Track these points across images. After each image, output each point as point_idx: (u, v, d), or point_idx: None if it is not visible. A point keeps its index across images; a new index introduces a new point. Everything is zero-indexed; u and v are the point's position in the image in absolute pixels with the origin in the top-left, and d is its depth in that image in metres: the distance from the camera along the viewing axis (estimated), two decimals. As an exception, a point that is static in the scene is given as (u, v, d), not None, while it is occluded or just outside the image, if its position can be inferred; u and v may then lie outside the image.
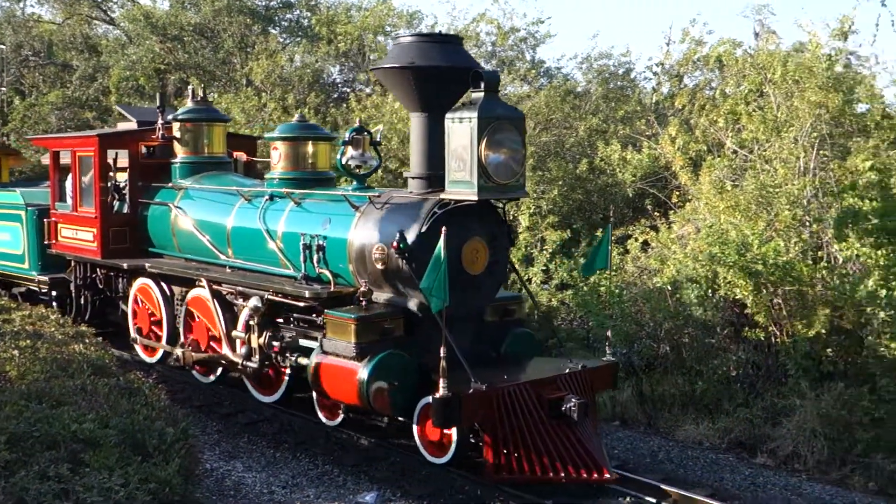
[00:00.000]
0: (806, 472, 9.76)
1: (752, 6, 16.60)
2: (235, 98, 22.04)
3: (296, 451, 9.98)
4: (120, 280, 13.37)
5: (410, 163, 9.64)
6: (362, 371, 8.68)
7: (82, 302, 13.98)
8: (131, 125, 13.75)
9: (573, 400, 8.41)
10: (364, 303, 9.10)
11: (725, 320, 11.97)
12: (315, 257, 9.82)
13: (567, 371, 8.95)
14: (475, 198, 8.65)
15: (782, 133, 13.02)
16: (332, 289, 9.61)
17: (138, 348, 13.05)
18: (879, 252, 10.44)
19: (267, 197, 10.98)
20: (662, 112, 20.21)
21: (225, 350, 10.92)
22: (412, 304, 9.11)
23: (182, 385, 12.23)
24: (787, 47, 15.47)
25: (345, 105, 21.80)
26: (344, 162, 10.26)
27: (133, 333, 12.88)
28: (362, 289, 9.12)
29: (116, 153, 13.05)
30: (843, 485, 9.45)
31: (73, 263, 13.89)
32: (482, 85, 8.75)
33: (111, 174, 13.02)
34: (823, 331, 10.71)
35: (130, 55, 26.41)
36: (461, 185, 8.72)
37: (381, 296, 9.29)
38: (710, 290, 11.66)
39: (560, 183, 16.92)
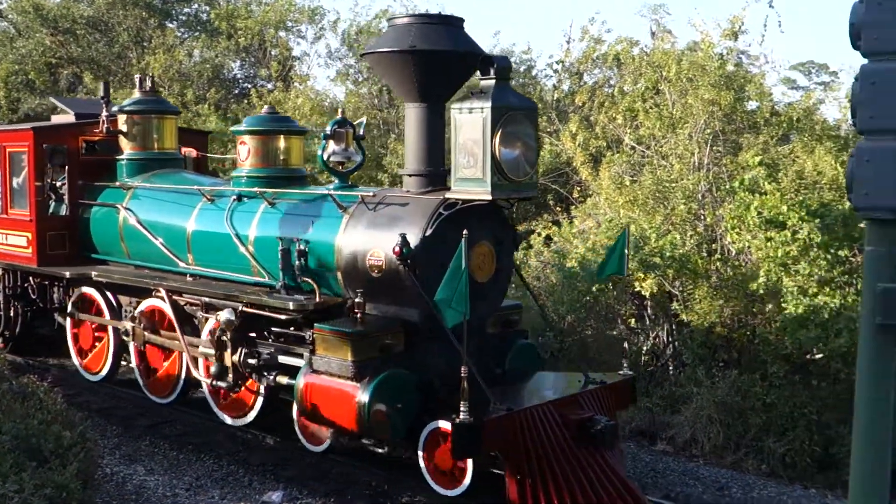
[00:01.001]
0: (703, 457, 10.02)
1: (648, 6, 17.77)
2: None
3: (199, 452, 9.61)
4: (56, 290, 12.04)
5: (406, 159, 8.67)
6: (362, 393, 7.68)
7: (12, 314, 12.58)
8: (69, 118, 12.40)
9: (603, 421, 7.58)
10: (359, 315, 8.10)
11: (627, 312, 12.30)
12: (296, 264, 8.77)
13: (589, 388, 8.13)
14: (488, 197, 7.76)
15: (678, 129, 13.58)
16: (317, 299, 8.58)
17: (79, 364, 11.75)
18: (769, 244, 10.67)
19: (234, 197, 9.87)
20: (563, 109, 20.57)
21: (198, 371, 9.77)
22: (413, 316, 8.15)
23: (79, 389, 11.43)
24: (682, 46, 16.29)
25: (246, 101, 21.44)
26: (325, 158, 9.25)
27: (73, 349, 11.59)
28: (356, 299, 8.12)
29: (53, 148, 11.71)
30: (737, 468, 9.76)
31: (0, 272, 12.48)
32: (492, 71, 7.87)
33: (48, 172, 11.68)
34: (718, 320, 11.12)
35: (20, 48, 25.24)
36: (471, 184, 7.81)
37: (375, 307, 8.30)
38: (610, 283, 11.84)
39: None
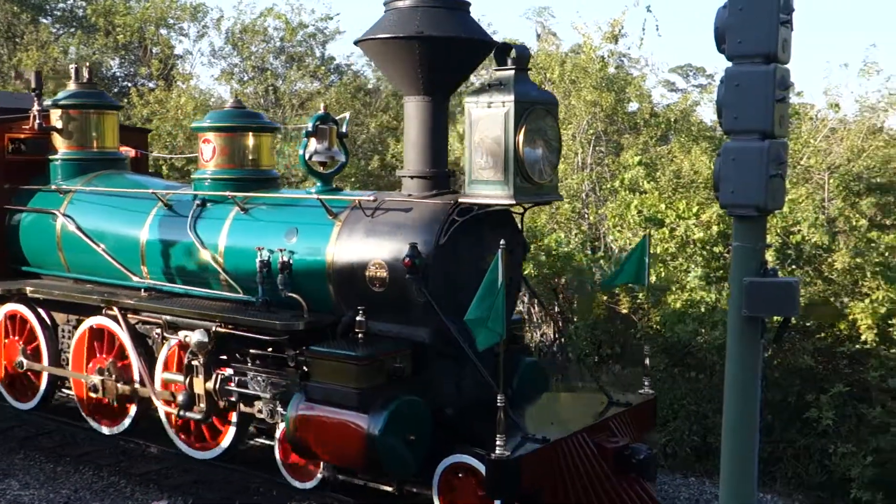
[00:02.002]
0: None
1: (533, 8, 18.09)
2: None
3: (78, 463, 9.22)
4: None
5: (406, 159, 7.76)
6: (372, 425, 6.74)
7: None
8: (-10, 113, 10.98)
9: (644, 451, 6.84)
10: (360, 335, 7.14)
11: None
12: (279, 277, 7.75)
13: (617, 411, 7.38)
14: (511, 201, 6.96)
15: (562, 130, 13.88)
16: (307, 317, 7.59)
17: (4, 392, 10.39)
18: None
19: (198, 202, 8.75)
20: (453, 110, 20.99)
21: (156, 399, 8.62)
22: (422, 336, 7.24)
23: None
24: (567, 49, 17.01)
25: (126, 100, 20.66)
26: (308, 157, 8.25)
27: None
28: (358, 317, 7.16)
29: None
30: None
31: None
32: (509, 61, 7.06)
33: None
34: (602, 316, 11.38)
35: None
36: (490, 186, 6.98)
37: (377, 325, 7.34)
38: None
39: (353, 180, 16.79)
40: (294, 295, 7.69)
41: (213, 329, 7.96)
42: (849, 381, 9.80)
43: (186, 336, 8.11)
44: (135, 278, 9.05)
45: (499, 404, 6.22)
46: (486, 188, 6.99)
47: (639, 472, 6.81)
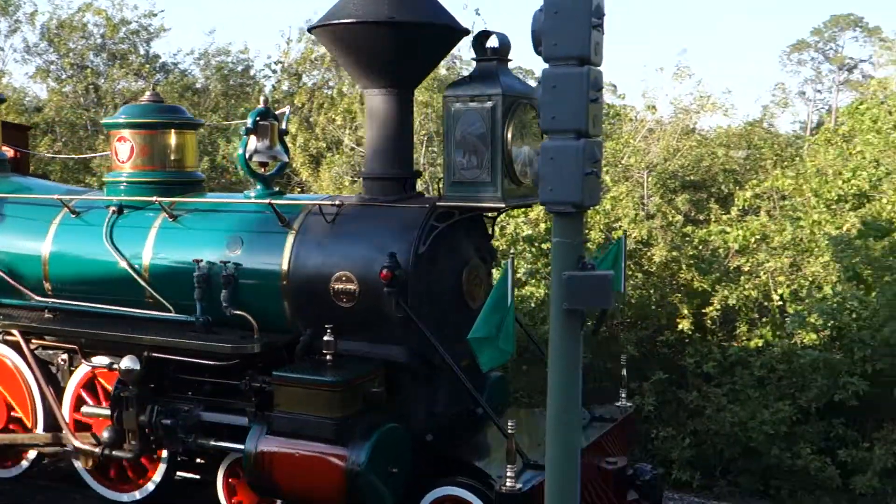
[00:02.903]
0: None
1: None
2: None
3: None
4: None
5: (367, 159, 7.01)
6: (354, 458, 5.98)
7: None
8: None
9: (648, 470, 6.38)
10: (328, 357, 6.35)
11: None
12: (223, 294, 6.83)
13: (604, 428, 6.89)
14: (500, 205, 6.36)
15: None
16: (259, 338, 6.71)
17: None
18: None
19: (113, 208, 7.67)
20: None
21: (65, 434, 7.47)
22: (398, 355, 6.52)
23: None
24: None
25: None
26: (248, 157, 7.35)
27: None
28: (326, 336, 6.36)
29: None
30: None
31: None
32: (491, 50, 6.46)
33: None
34: None
35: None
36: (474, 188, 6.35)
37: (345, 344, 6.52)
38: None
39: None
40: (241, 313, 6.80)
41: (146, 354, 6.94)
42: (667, 368, 10.51)
43: (113, 364, 7.05)
44: (35, 296, 7.85)
45: (509, 431, 5.58)
46: (469, 190, 6.35)
47: (644, 494, 6.35)
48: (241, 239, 7.02)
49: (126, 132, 7.75)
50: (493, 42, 6.50)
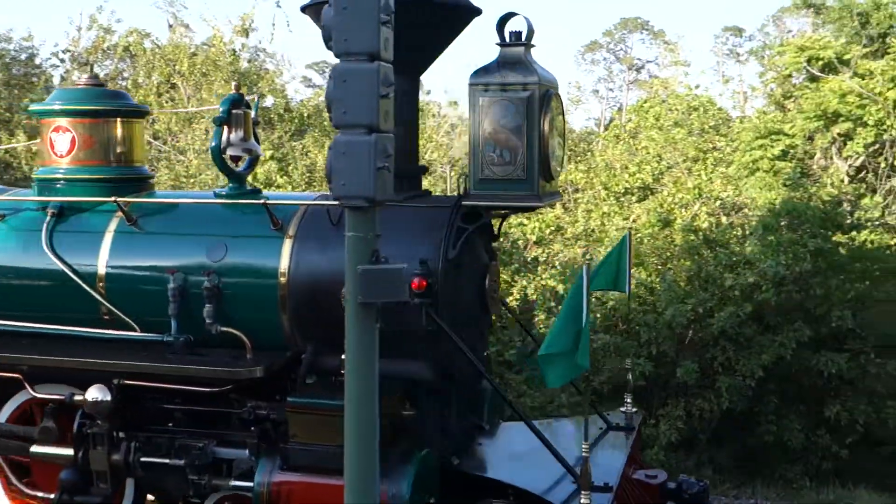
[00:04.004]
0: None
1: None
2: None
3: None
4: None
5: (368, 152, 6.27)
6: (394, 490, 5.32)
7: None
8: None
9: (696, 483, 6.04)
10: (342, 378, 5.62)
11: None
12: (205, 309, 5.94)
13: (622, 437, 6.52)
14: (538, 203, 5.85)
15: (194, 125, 14.45)
16: (254, 358, 5.87)
17: None
18: None
19: (51, 210, 6.55)
20: None
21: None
22: (422, 372, 5.87)
23: None
24: (202, 40, 16.96)
25: None
26: (222, 150, 6.45)
27: None
28: (344, 356, 5.59)
29: None
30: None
31: None
32: (515, 35, 5.91)
33: None
34: None
35: None
36: (508, 186, 5.78)
37: (353, 362, 5.83)
38: None
39: None
40: (230, 329, 5.94)
41: (117, 382, 5.94)
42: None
43: (74, 395, 5.99)
44: (-49, 317, 6.61)
45: (584, 453, 5.09)
46: (502, 188, 5.78)
47: (683, 506, 6.01)
48: (225, 245, 6.13)
49: (64, 121, 6.63)
50: (517, 25, 5.94)
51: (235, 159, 6.60)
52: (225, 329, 5.94)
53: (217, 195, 6.58)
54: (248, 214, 6.26)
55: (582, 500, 5.09)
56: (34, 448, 6.18)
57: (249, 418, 5.82)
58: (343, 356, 5.44)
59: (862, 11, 16.51)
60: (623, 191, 14.38)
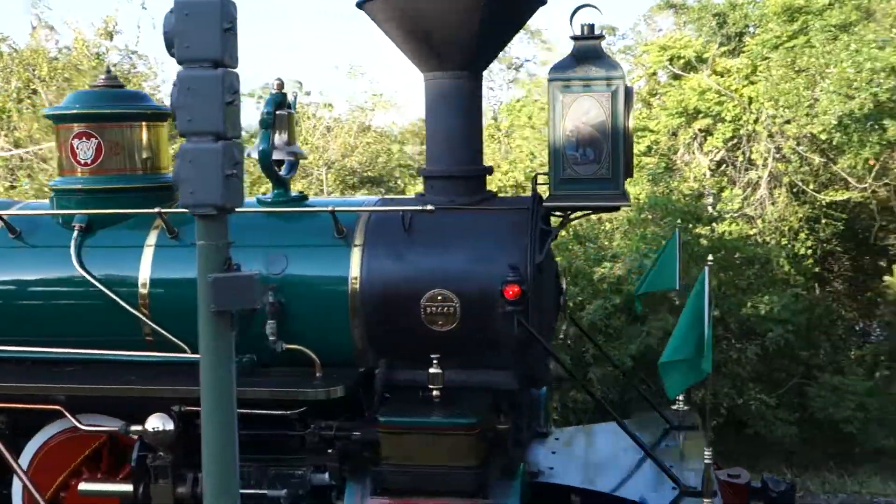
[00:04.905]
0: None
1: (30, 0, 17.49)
2: None
3: None
4: None
5: (432, 154, 5.97)
6: (505, 512, 5.04)
7: None
8: None
9: (782, 482, 5.96)
10: (435, 393, 5.32)
11: None
12: (267, 325, 5.53)
13: (695, 435, 6.40)
14: (625, 203, 5.69)
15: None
16: (335, 377, 5.49)
17: None
18: None
19: (78, 225, 5.98)
20: None
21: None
22: (508, 382, 5.61)
23: None
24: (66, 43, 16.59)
25: None
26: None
27: None
28: (433, 369, 5.31)
29: None
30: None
31: None
32: (588, 28, 5.71)
33: None
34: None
35: None
36: (593, 186, 5.57)
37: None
38: None
39: None
40: (296, 347, 5.54)
41: (178, 409, 5.45)
42: None
43: (131, 426, 5.47)
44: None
45: (706, 461, 4.92)
46: (585, 188, 5.57)
47: (778, 506, 5.93)
48: (286, 256, 5.71)
49: (89, 126, 6.05)
50: (590, 18, 5.74)
51: (278, 164, 6.16)
52: (290, 346, 5.53)
53: (260, 202, 6.15)
54: (304, 222, 5.86)
55: (709, 509, 4.92)
56: (83, 485, 5.62)
57: (322, 440, 5.42)
58: (431, 370, 5.23)
59: (719, 12, 17.06)
60: (497, 190, 14.45)
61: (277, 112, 6.02)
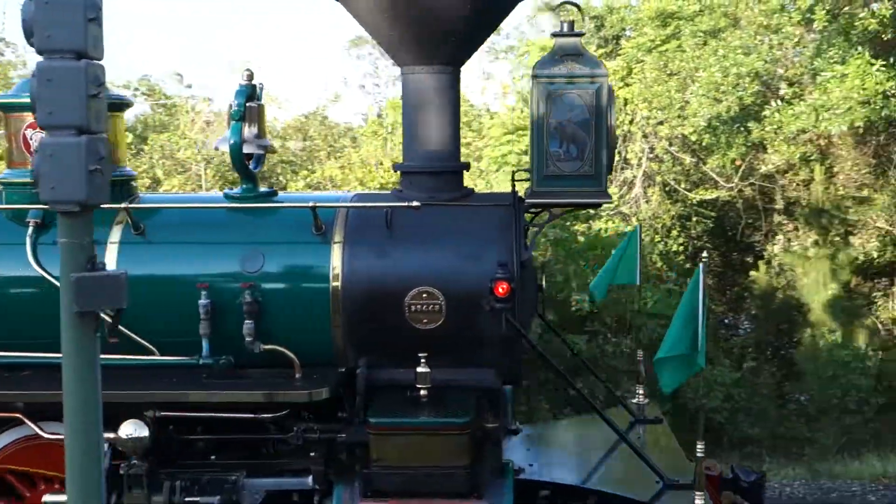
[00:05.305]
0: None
1: None
2: None
3: None
4: None
5: (409, 150, 5.86)
6: (497, 510, 5.00)
7: None
8: None
9: (752, 473, 6.09)
10: (422, 392, 5.23)
11: None
12: (245, 326, 5.32)
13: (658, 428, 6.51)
14: (607, 200, 5.69)
15: None
16: (298, 375, 5.34)
17: None
18: None
19: (33, 221, 5.63)
20: None
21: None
22: (488, 380, 5.56)
23: None
24: None
25: None
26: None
27: None
28: (420, 368, 5.21)
29: None
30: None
31: None
32: (569, 25, 5.72)
33: None
34: None
35: None
36: (575, 182, 5.57)
37: (410, 374, 5.41)
38: None
39: None
40: (276, 347, 5.36)
41: (153, 415, 5.19)
42: None
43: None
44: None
45: (698, 453, 4.99)
46: (568, 184, 5.56)
47: (748, 496, 6.05)
48: (262, 253, 5.51)
49: (44, 116, 5.68)
50: (570, 14, 5.75)
51: (247, 157, 5.94)
52: (269, 347, 5.35)
53: (228, 197, 5.92)
54: (276, 218, 5.67)
55: (697, 502, 4.99)
56: (49, 497, 5.28)
57: (306, 443, 5.26)
58: (419, 369, 5.15)
59: (597, 14, 17.57)
60: (379, 187, 14.57)
61: (248, 104, 5.81)
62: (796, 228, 16.58)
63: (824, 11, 12.95)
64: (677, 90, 14.60)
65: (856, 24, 12.92)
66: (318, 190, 14.81)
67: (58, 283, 5.35)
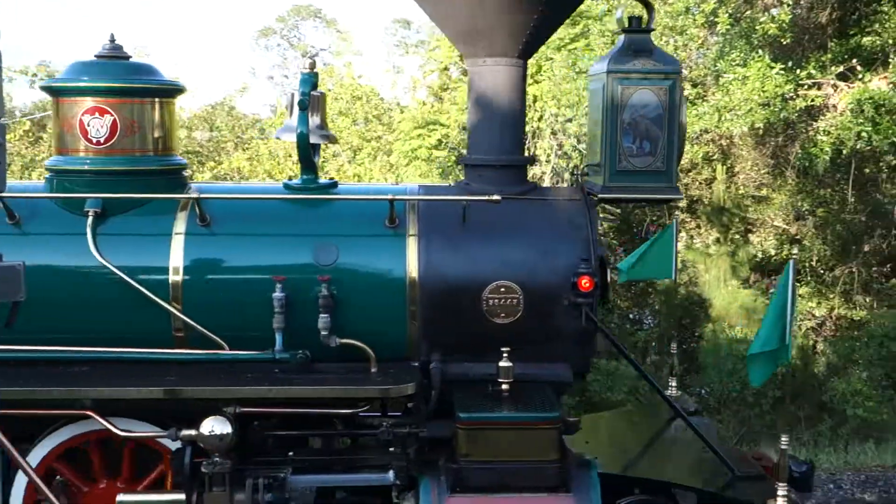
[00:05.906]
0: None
1: None
2: None
3: None
4: None
5: (476, 142, 5.82)
6: (586, 501, 5.03)
7: None
8: None
9: (801, 462, 6.23)
10: (504, 387, 5.23)
11: None
12: (320, 320, 5.23)
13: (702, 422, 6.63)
14: (678, 195, 5.79)
15: None
16: (374, 369, 5.28)
17: None
18: None
19: (92, 210, 5.40)
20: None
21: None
22: (563, 375, 5.59)
23: None
24: None
25: None
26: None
27: None
28: (502, 363, 5.21)
29: None
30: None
31: None
32: (636, 21, 5.78)
33: None
34: None
35: None
36: (648, 178, 5.64)
37: (488, 368, 5.40)
38: None
39: None
40: (351, 341, 5.28)
41: (234, 411, 5.05)
42: None
43: (181, 430, 5.00)
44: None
45: (782, 446, 5.10)
46: (641, 180, 5.62)
47: (798, 486, 6.21)
48: (336, 246, 5.41)
49: (102, 101, 5.46)
50: (638, 11, 5.79)
51: (314, 147, 5.81)
52: (344, 341, 5.26)
53: (288, 188, 5.79)
54: (347, 210, 5.57)
55: (780, 493, 5.11)
56: (123, 496, 5.08)
57: (393, 438, 5.20)
58: (502, 363, 5.16)
59: None
60: (288, 179, 14.49)
61: (313, 94, 5.69)
62: (699, 226, 16.97)
63: (727, 15, 13.22)
64: (585, 88, 14.83)
65: (756, 28, 13.23)
66: (224, 181, 14.53)
67: (123, 276, 5.22)
